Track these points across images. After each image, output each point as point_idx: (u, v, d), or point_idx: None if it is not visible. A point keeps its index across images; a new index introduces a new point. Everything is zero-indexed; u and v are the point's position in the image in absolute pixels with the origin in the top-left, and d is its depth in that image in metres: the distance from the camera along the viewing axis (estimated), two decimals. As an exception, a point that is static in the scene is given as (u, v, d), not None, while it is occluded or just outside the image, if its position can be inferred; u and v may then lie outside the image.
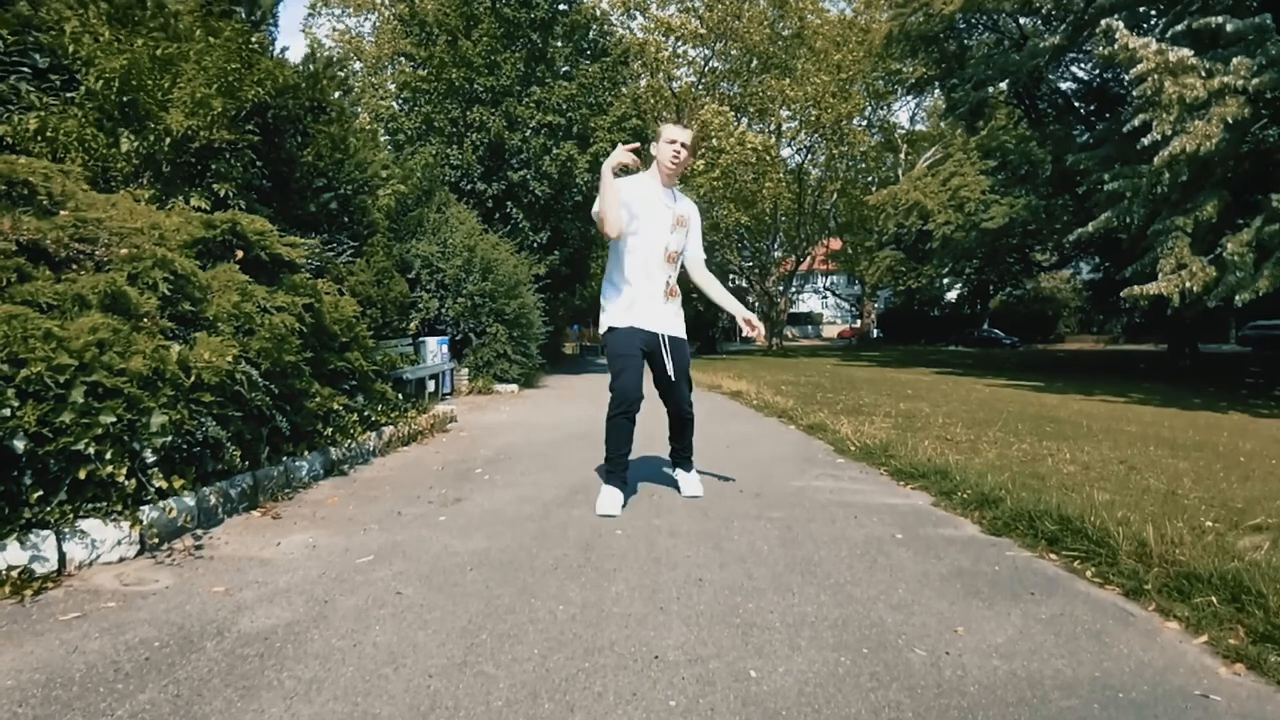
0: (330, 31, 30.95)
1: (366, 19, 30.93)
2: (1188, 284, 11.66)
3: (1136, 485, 3.86)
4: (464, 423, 6.63)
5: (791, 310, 47.26)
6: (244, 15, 5.47)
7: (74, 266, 2.81)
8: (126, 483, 2.49)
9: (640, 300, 3.42)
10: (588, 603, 2.14)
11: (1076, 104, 22.20)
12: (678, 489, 3.71)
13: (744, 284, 39.47)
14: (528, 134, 14.28)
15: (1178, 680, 1.70)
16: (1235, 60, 11.12)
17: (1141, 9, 15.10)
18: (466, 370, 10.51)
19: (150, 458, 2.60)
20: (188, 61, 4.55)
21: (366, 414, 4.88)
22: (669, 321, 3.48)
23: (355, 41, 29.87)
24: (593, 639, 1.88)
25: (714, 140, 23.55)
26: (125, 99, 4.27)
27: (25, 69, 4.36)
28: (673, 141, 3.38)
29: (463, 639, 1.87)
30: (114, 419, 2.47)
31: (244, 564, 2.49)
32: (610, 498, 3.36)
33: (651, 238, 3.41)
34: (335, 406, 4.29)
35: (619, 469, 3.43)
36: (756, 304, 40.04)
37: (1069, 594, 2.28)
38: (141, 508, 2.57)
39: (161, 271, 2.97)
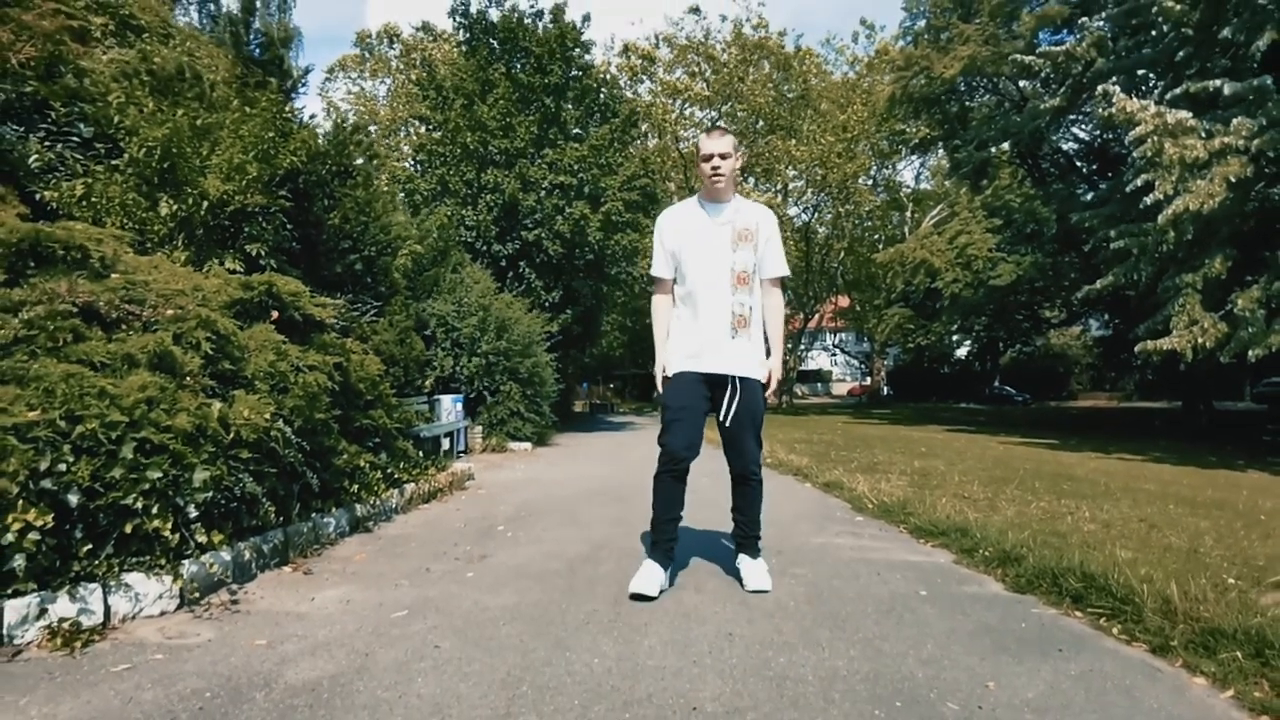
0: (346, 94, 31.94)
1: (382, 83, 32.07)
2: (1200, 339, 11.73)
3: (1158, 543, 3.87)
4: (481, 480, 6.68)
5: (801, 368, 47.31)
6: (277, 84, 5.73)
7: (124, 327, 2.94)
8: (170, 537, 2.57)
9: (704, 336, 2.97)
10: (622, 656, 2.18)
11: (1079, 163, 22.60)
12: (739, 580, 3.04)
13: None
14: (541, 195, 14.63)
15: (1210, 735, 1.73)
16: (1235, 121, 11.37)
17: (1140, 72, 15.46)
18: (480, 428, 10.58)
19: (193, 513, 2.68)
20: (225, 130, 4.77)
21: (390, 471, 4.95)
22: (738, 359, 2.96)
23: (370, 105, 30.89)
24: (630, 691, 1.92)
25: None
26: (165, 165, 4.48)
27: (74, 139, 4.59)
28: (708, 158, 3.00)
29: (504, 690, 1.92)
30: (160, 474, 2.56)
31: (281, 618, 2.54)
32: (647, 574, 2.91)
33: (709, 262, 2.98)
34: (361, 464, 4.37)
35: (664, 538, 3.01)
36: (766, 361, 40.03)
37: (1097, 650, 2.31)
38: (182, 562, 2.64)
39: (204, 332, 3.10)
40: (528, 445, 10.70)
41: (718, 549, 3.66)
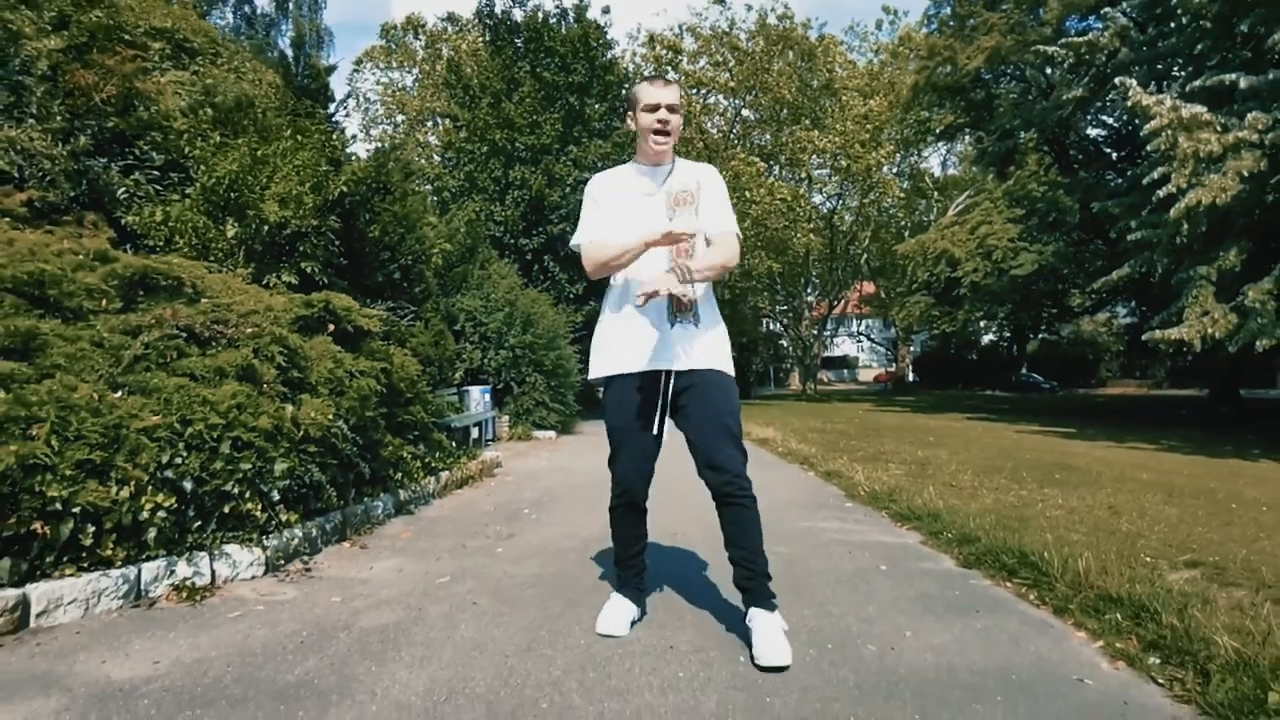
0: (374, 85, 32.48)
1: (409, 73, 32.61)
2: (1210, 330, 11.91)
3: (1108, 528, 4.33)
4: (508, 468, 7.27)
5: (826, 354, 47.51)
6: (324, 114, 6.33)
7: (214, 344, 3.54)
8: (259, 516, 3.18)
9: (637, 327, 2.42)
10: (620, 612, 2.73)
11: (1107, 150, 22.45)
12: (749, 647, 2.32)
13: (778, 328, 40.03)
14: (566, 190, 15.17)
15: (1065, 671, 2.24)
16: (1250, 115, 11.48)
17: (1162, 63, 15.40)
18: (507, 417, 11.19)
19: (275, 497, 3.29)
20: (282, 159, 5.37)
21: (427, 460, 5.55)
22: (680, 349, 2.40)
23: (399, 96, 31.50)
24: (623, 635, 2.48)
25: (746, 192, 24.38)
26: (233, 195, 5.09)
27: (153, 170, 5.22)
28: (654, 108, 2.42)
29: (527, 633, 2.50)
30: (249, 466, 3.17)
31: (348, 582, 3.14)
32: (614, 613, 2.59)
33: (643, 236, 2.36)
34: (404, 455, 4.98)
35: (631, 574, 2.65)
36: (791, 348, 40.61)
37: (1008, 611, 2.82)
38: (267, 536, 3.25)
39: (277, 346, 3.70)
40: (552, 434, 11.30)
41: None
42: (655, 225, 2.35)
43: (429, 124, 28.91)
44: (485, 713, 1.89)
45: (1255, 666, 2.07)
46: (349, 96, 7.53)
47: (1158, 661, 2.30)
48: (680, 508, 4.63)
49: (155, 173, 5.24)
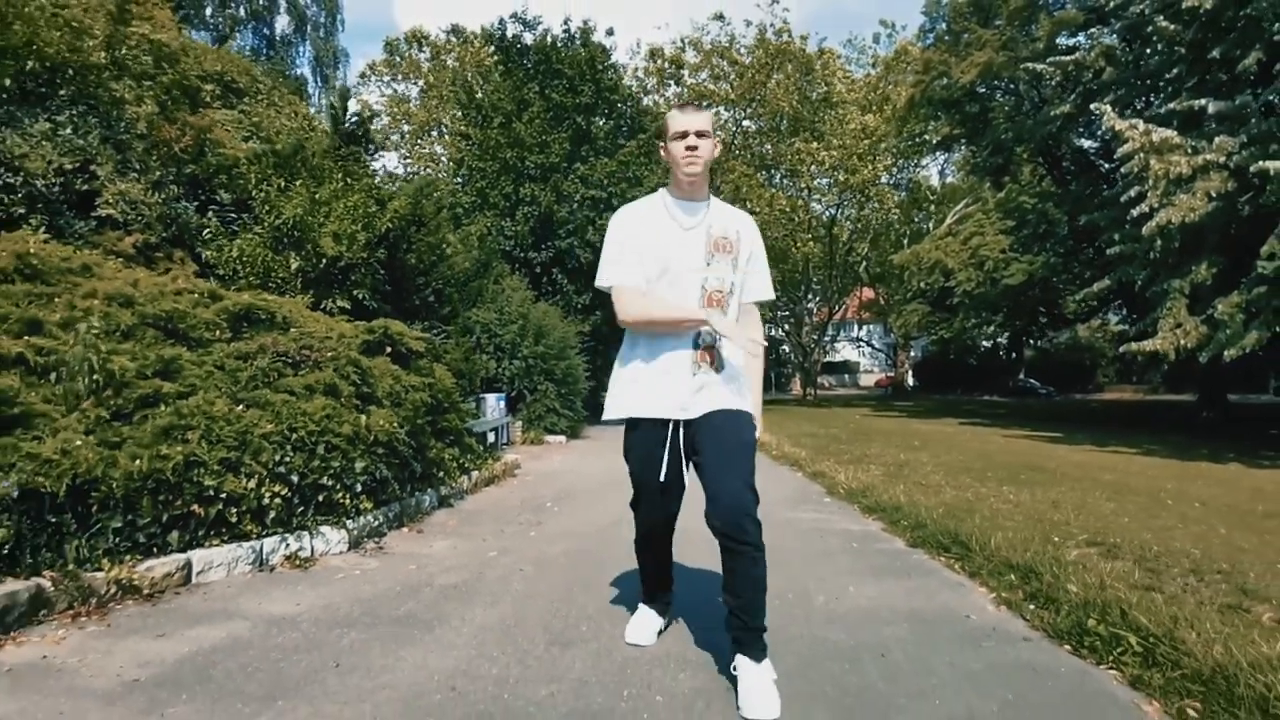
0: (380, 97, 33.12)
1: (414, 84, 33.31)
2: (1182, 341, 12.63)
3: (1040, 517, 5.11)
4: (527, 469, 8.08)
5: (827, 359, 48.26)
6: (365, 154, 7.19)
7: (303, 366, 4.36)
8: (346, 504, 4.00)
9: (662, 371, 2.37)
10: (634, 575, 3.54)
11: (1098, 162, 23.12)
12: (734, 693, 2.21)
13: (779, 334, 40.81)
14: (574, 207, 15.99)
15: (960, 612, 3.05)
16: (1218, 139, 12.22)
17: (1145, 83, 16.08)
18: (521, 423, 11.99)
19: (357, 489, 4.11)
20: (337, 201, 6.21)
21: (461, 462, 6.37)
22: (700, 397, 2.35)
23: (404, 106, 32.25)
24: (637, 588, 3.29)
25: (746, 203, 25.22)
26: (296, 233, 5.93)
27: (230, 211, 6.06)
28: (682, 135, 2.35)
29: (565, 588, 3.34)
30: (337, 464, 4.00)
31: (417, 557, 3.96)
32: (641, 623, 2.72)
33: (675, 276, 2.38)
34: (444, 456, 5.79)
35: (659, 589, 2.79)
36: (792, 354, 41.37)
37: (934, 576, 3.64)
38: (350, 520, 4.07)
39: (352, 367, 4.52)
40: (562, 438, 12.10)
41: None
42: (688, 266, 2.37)
43: (433, 134, 29.62)
44: (543, 631, 2.72)
45: (1092, 605, 2.87)
46: (387, 138, 8.30)
47: (1034, 607, 3.10)
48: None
49: (231, 213, 6.08)
